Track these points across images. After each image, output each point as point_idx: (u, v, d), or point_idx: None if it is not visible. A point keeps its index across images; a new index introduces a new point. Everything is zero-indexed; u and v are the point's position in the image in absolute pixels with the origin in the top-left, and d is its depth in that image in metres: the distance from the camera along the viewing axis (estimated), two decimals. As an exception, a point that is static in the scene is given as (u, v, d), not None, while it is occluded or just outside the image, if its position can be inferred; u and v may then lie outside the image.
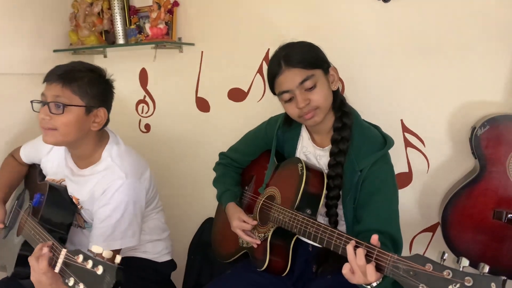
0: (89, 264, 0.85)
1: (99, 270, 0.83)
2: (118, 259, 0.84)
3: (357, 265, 0.88)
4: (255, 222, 1.26)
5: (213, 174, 1.49)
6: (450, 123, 1.47)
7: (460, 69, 1.43)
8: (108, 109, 1.28)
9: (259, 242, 1.23)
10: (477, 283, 0.68)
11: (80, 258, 0.88)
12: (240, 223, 1.27)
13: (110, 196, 1.21)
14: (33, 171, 1.49)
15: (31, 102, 1.23)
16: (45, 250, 0.97)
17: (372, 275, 0.86)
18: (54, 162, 1.37)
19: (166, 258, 1.48)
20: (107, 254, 0.85)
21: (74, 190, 1.30)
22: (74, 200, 1.30)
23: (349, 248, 0.90)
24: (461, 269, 0.71)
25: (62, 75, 1.17)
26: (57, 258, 0.94)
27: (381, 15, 1.51)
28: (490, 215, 1.33)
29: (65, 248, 0.94)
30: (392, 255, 0.83)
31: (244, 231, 1.27)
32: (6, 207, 1.42)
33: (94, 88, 1.21)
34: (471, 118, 1.43)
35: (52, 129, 1.18)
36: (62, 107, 1.16)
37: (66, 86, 1.17)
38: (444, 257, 0.74)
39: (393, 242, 1.06)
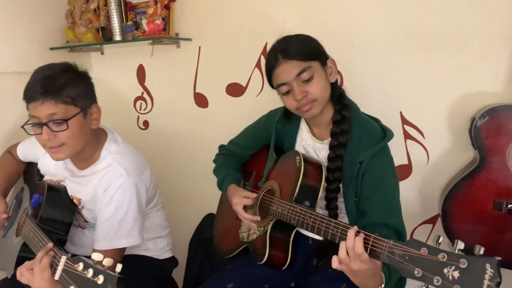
0: (90, 273, 0.83)
1: (100, 279, 0.81)
2: (118, 268, 0.82)
3: (354, 252, 0.87)
4: (254, 195, 1.25)
5: (212, 169, 1.48)
6: (450, 115, 1.47)
7: (458, 60, 1.42)
8: (96, 101, 1.24)
9: (259, 218, 1.22)
10: (471, 264, 0.67)
11: (81, 266, 0.86)
12: (241, 198, 1.25)
13: (112, 194, 1.19)
14: (31, 169, 1.47)
15: (23, 127, 1.16)
16: (47, 260, 0.96)
17: (359, 247, 0.85)
18: (51, 164, 1.36)
19: (168, 255, 1.48)
20: (107, 262, 0.83)
21: (75, 191, 1.29)
22: (75, 200, 1.29)
23: (350, 233, 0.89)
24: (456, 252, 0.71)
25: (47, 91, 1.09)
26: (57, 265, 0.93)
27: (379, 7, 1.50)
28: (490, 206, 1.33)
29: (64, 255, 0.93)
30: (388, 241, 0.83)
31: (243, 211, 1.25)
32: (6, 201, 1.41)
33: (80, 88, 1.16)
34: (470, 109, 1.42)
35: (59, 146, 1.14)
36: (65, 122, 1.11)
37: (57, 99, 1.10)
38: (440, 241, 0.74)
39: (397, 234, 1.06)
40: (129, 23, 1.90)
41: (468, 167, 1.38)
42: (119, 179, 1.20)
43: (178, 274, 1.65)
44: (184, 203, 2.06)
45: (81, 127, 1.16)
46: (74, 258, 0.89)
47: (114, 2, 1.87)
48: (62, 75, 1.14)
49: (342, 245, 0.89)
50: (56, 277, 0.92)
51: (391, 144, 1.18)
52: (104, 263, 0.83)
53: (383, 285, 0.92)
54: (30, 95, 1.12)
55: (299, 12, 1.63)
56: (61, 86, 1.12)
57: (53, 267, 0.95)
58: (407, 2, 1.46)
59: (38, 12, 1.88)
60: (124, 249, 1.23)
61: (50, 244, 0.99)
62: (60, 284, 0.93)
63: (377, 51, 1.53)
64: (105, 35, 2.00)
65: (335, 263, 0.89)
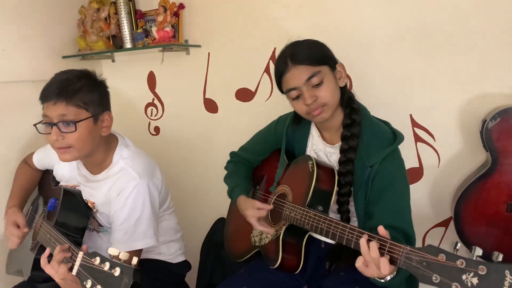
0: (106, 266, 0.86)
1: (117, 272, 0.84)
2: (135, 260, 0.85)
3: (371, 258, 0.88)
4: (271, 207, 1.26)
5: (223, 174, 1.50)
6: (460, 117, 1.46)
7: (469, 62, 1.42)
8: (110, 110, 1.28)
9: (273, 230, 1.23)
10: (491, 271, 0.67)
11: (97, 260, 0.89)
12: (255, 210, 1.26)
13: (126, 197, 1.22)
14: (47, 176, 1.50)
15: (35, 125, 1.21)
16: (64, 254, 0.99)
17: (386, 268, 0.86)
18: (65, 170, 1.39)
19: (180, 259, 1.50)
20: (123, 256, 0.86)
21: (89, 195, 1.31)
22: (89, 204, 1.32)
23: (362, 241, 0.91)
24: (474, 258, 0.70)
25: (61, 93, 1.14)
26: (74, 261, 0.96)
27: (387, 10, 1.50)
28: (504, 208, 1.32)
29: (81, 251, 0.96)
30: (404, 247, 0.83)
31: (258, 222, 1.26)
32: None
33: (94, 94, 1.20)
34: (481, 110, 1.41)
35: (67, 147, 1.17)
36: (73, 124, 1.15)
37: (69, 102, 1.14)
38: (457, 247, 0.74)
39: (405, 237, 1.06)
40: (139, 30, 1.93)
41: (480, 170, 1.38)
42: (132, 182, 1.23)
43: (191, 278, 1.66)
44: (195, 208, 2.08)
45: (90, 132, 1.19)
46: (91, 253, 0.92)
47: (124, 10, 1.89)
48: (78, 80, 1.19)
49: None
50: (74, 272, 0.95)
51: (401, 147, 1.18)
52: (120, 256, 0.86)
53: (393, 274, 0.90)
54: (46, 95, 1.17)
55: (307, 17, 1.64)
56: (75, 90, 1.16)
57: (71, 263, 0.97)
58: (416, 4, 1.46)
59: (50, 21, 1.92)
60: (141, 251, 1.25)
61: (66, 245, 1.02)
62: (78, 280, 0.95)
63: (386, 54, 1.53)
64: (116, 43, 2.03)
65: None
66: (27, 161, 1.54)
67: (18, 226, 1.33)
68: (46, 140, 1.20)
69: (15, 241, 1.31)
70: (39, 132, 1.21)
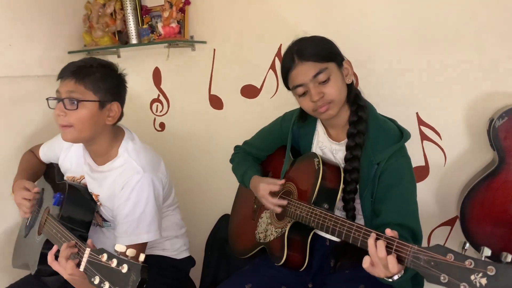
0: (114, 263, 0.86)
1: (124, 268, 0.84)
2: (142, 257, 0.85)
3: (378, 257, 0.88)
4: (283, 181, 1.27)
5: (228, 171, 1.50)
6: (467, 115, 1.45)
7: (476, 60, 1.41)
8: (122, 103, 1.29)
9: (285, 202, 1.22)
10: (500, 272, 0.67)
11: (105, 257, 0.89)
12: (268, 185, 1.26)
13: (130, 191, 1.22)
14: (51, 171, 1.50)
15: (47, 99, 1.25)
16: (71, 250, 1.00)
17: (394, 267, 0.85)
18: (73, 159, 1.39)
19: (185, 254, 1.50)
20: (130, 252, 0.86)
21: (94, 187, 1.32)
22: (93, 196, 1.32)
23: (370, 241, 0.90)
24: (483, 259, 0.70)
25: (75, 71, 1.19)
26: (81, 257, 0.96)
27: (394, 7, 1.49)
28: (511, 207, 1.31)
29: (88, 247, 0.96)
30: (412, 246, 0.83)
31: (269, 195, 1.25)
32: None
33: (107, 82, 1.22)
34: (488, 109, 1.40)
35: (68, 126, 1.20)
36: (76, 102, 1.18)
37: (79, 81, 1.19)
38: (466, 247, 0.74)
39: (412, 235, 1.06)
40: (145, 26, 1.93)
41: (487, 169, 1.37)
42: (136, 176, 1.23)
43: (195, 274, 1.66)
44: (200, 204, 2.08)
45: (93, 116, 1.20)
46: (98, 249, 0.93)
47: (130, 6, 1.89)
48: (96, 66, 1.23)
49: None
50: (81, 268, 0.96)
51: (407, 145, 1.18)
52: (127, 253, 0.86)
53: (401, 274, 0.90)
54: (62, 71, 1.23)
55: (313, 13, 1.63)
56: (88, 73, 1.20)
57: (78, 259, 0.98)
58: (424, 2, 1.44)
59: (57, 17, 1.92)
60: (145, 244, 1.25)
61: (73, 242, 1.03)
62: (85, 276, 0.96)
63: (393, 52, 1.52)
64: (122, 39, 2.03)
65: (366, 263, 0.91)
66: (33, 151, 1.55)
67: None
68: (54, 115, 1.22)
69: (26, 205, 1.30)
70: (49, 107, 1.25)
